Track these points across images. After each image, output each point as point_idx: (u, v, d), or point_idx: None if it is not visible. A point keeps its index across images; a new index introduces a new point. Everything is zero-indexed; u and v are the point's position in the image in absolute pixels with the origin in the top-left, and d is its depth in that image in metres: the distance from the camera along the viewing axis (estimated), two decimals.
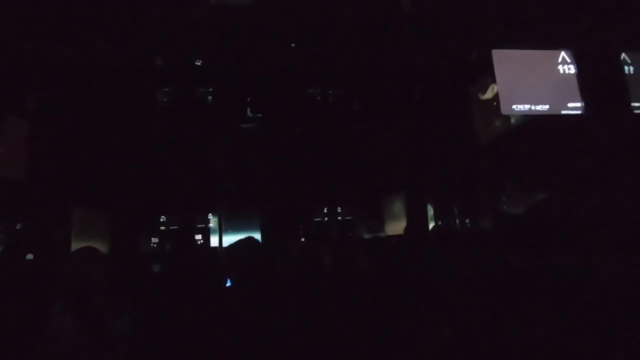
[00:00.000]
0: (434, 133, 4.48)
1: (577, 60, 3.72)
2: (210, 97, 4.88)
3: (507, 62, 3.60)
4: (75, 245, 3.88)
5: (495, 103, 3.57)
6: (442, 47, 3.99)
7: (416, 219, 4.63)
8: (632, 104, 3.97)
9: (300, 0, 4.39)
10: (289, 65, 4.80)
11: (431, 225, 4.76)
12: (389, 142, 4.70)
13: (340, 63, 4.65)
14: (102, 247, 3.97)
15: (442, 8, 3.78)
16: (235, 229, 4.67)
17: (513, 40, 3.61)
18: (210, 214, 4.84)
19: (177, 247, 4.49)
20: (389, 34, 4.40)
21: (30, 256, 3.64)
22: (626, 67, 4.14)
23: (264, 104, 4.93)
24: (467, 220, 4.82)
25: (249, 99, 5.01)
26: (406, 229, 4.32)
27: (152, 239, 4.78)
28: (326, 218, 5.48)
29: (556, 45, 3.73)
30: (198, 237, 4.77)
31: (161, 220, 4.89)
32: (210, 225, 4.79)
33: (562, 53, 3.85)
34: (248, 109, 5.02)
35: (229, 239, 4.41)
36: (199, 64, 5.12)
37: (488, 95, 3.84)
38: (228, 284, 1.90)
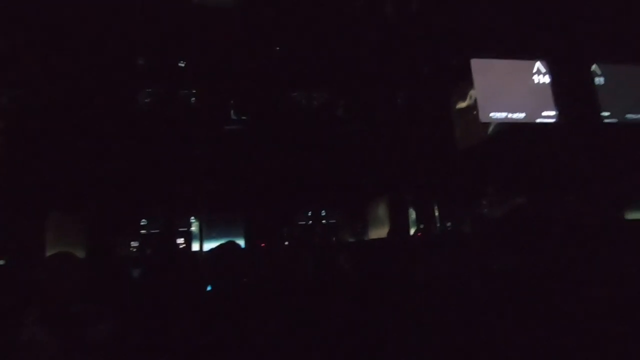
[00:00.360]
0: (416, 138, 4.56)
1: (551, 71, 3.89)
2: (193, 99, 4.83)
3: (485, 71, 3.73)
4: (50, 251, 3.74)
5: (474, 111, 3.69)
6: (424, 55, 4.08)
7: (399, 223, 4.69)
8: (602, 113, 4.18)
9: (285, 5, 4.42)
10: (274, 68, 4.81)
11: (413, 228, 4.84)
12: (373, 147, 4.76)
13: (325, 68, 4.69)
14: (78, 252, 3.84)
15: (425, 17, 3.88)
16: (218, 233, 4.61)
17: (491, 50, 3.74)
18: (192, 217, 4.76)
19: (158, 251, 4.39)
20: (373, 41, 4.47)
21: (0, 262, 3.48)
22: (597, 79, 4.35)
23: (248, 106, 4.91)
24: (449, 224, 4.91)
25: (232, 101, 4.98)
26: (389, 232, 4.36)
27: (132, 242, 4.66)
28: (311, 221, 5.48)
29: (532, 55, 3.89)
30: (180, 240, 4.68)
31: (142, 223, 4.78)
32: (192, 228, 4.71)
33: (537, 63, 4.02)
34: (232, 111, 4.99)
35: (212, 244, 4.35)
36: (183, 65, 5.07)
37: (468, 102, 3.96)
38: (208, 288, 1.87)
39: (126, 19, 4.11)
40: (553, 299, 2.05)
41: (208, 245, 4.33)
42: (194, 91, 4.84)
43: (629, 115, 4.32)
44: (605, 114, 4.13)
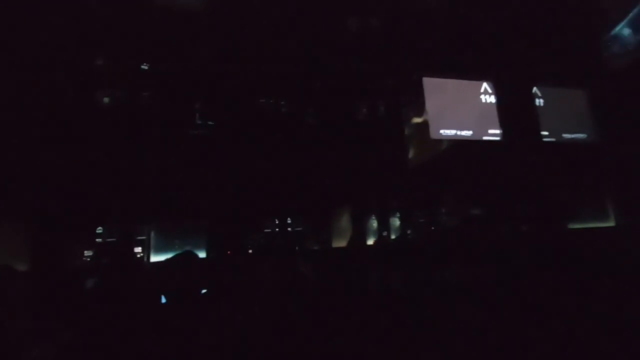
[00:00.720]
0: (378, 149, 4.74)
1: (497, 92, 4.24)
2: (156, 102, 4.69)
3: (436, 89, 3.99)
4: None
5: (426, 127, 3.93)
6: (385, 71, 4.29)
7: (360, 232, 4.82)
8: (542, 133, 4.60)
9: (253, 10, 4.46)
10: (241, 73, 4.79)
11: (374, 238, 4.99)
12: (339, 156, 4.87)
13: (291, 77, 4.76)
14: (22, 264, 3.59)
15: (385, 35, 4.09)
16: (181, 241, 4.49)
17: (442, 69, 4.01)
18: (151, 225, 4.60)
19: (114, 261, 4.20)
20: (338, 54, 4.62)
21: None
22: (537, 100, 4.78)
23: (213, 111, 4.84)
24: (409, 232, 5.12)
25: (197, 106, 4.89)
26: (349, 241, 4.48)
27: (86, 252, 4.41)
28: (277, 229, 5.46)
29: (479, 76, 4.22)
30: (138, 249, 4.50)
31: (97, 231, 4.54)
32: (152, 236, 4.55)
33: (484, 84, 4.36)
34: (197, 116, 4.90)
35: (173, 253, 4.22)
36: (146, 67, 4.92)
37: (421, 119, 4.20)
38: (163, 300, 1.84)
39: (87, 17, 3.97)
40: (503, 306, 2.23)
41: (169, 255, 4.19)
42: (157, 94, 4.72)
43: (565, 135, 4.79)
44: (545, 133, 4.54)
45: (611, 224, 4.97)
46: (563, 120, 4.69)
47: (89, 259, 4.40)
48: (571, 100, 4.87)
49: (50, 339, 1.28)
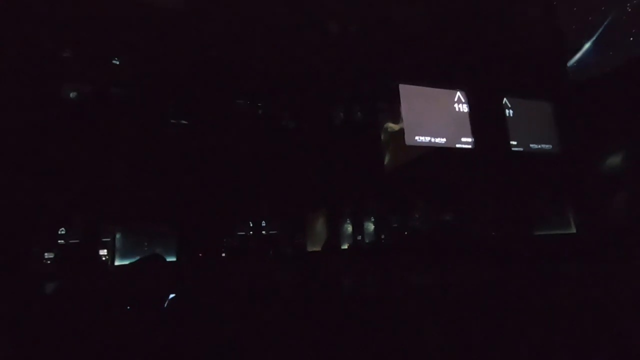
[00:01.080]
0: (354, 154, 4.78)
1: (469, 101, 4.40)
2: (127, 99, 4.49)
3: (412, 97, 4.08)
4: None
5: (402, 133, 4.02)
6: (362, 77, 4.34)
7: (334, 236, 4.84)
8: (511, 142, 4.82)
9: (233, 13, 4.40)
10: (220, 73, 4.69)
11: (348, 242, 5.02)
12: (315, 160, 4.87)
13: (269, 80, 4.72)
14: None
15: (364, 42, 4.15)
16: (149, 244, 4.32)
17: (418, 78, 4.12)
18: (118, 226, 4.39)
19: (77, 263, 3.97)
20: (317, 59, 4.63)
21: None
22: (507, 110, 5.01)
23: (188, 110, 4.71)
24: (383, 236, 5.19)
25: (171, 104, 4.74)
26: (324, 245, 4.47)
27: (46, 254, 4.15)
28: (251, 232, 5.39)
29: (454, 85, 4.36)
30: (103, 252, 4.29)
31: (60, 232, 4.29)
32: (118, 238, 4.35)
33: (458, 93, 4.50)
34: (170, 114, 4.75)
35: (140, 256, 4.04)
36: (117, 62, 4.72)
37: (397, 125, 4.28)
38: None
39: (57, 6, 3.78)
40: (472, 307, 2.28)
41: (136, 258, 3.99)
42: (129, 91, 4.55)
43: (532, 145, 5.04)
44: (513, 142, 4.76)
45: (572, 230, 5.25)
46: (530, 131, 4.92)
47: (49, 262, 4.16)
48: (538, 111, 5.12)
49: (6, 346, 1.19)
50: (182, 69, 4.57)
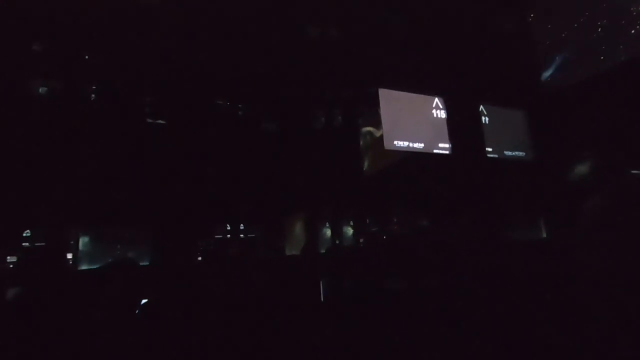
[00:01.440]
0: (333, 158, 4.80)
1: (447, 107, 4.51)
2: (100, 95, 4.32)
3: (391, 101, 4.14)
4: None
5: (381, 138, 4.06)
6: (342, 81, 4.37)
7: (313, 239, 4.83)
8: (487, 149, 4.99)
9: (213, 12, 4.33)
10: (200, 72, 4.60)
11: (327, 246, 5.02)
12: (294, 163, 4.85)
13: (249, 81, 4.67)
14: None
15: (343, 46, 4.18)
16: (122, 247, 4.14)
17: (398, 82, 4.18)
18: (87, 229, 4.19)
19: (42, 268, 3.75)
20: (297, 62, 4.62)
21: None
22: (483, 118, 5.19)
23: (165, 108, 4.58)
24: (361, 240, 5.22)
25: (147, 101, 4.59)
26: (302, 248, 4.46)
27: (9, 257, 3.90)
28: (228, 235, 5.29)
29: (432, 91, 4.46)
30: (69, 255, 4.07)
31: (24, 235, 4.04)
32: (87, 242, 4.15)
33: (436, 99, 4.61)
34: (147, 113, 4.60)
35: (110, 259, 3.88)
36: (89, 57, 4.53)
37: (376, 129, 4.33)
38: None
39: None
40: (449, 312, 2.32)
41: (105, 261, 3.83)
42: (102, 87, 4.37)
43: (507, 152, 5.24)
44: (489, 149, 4.92)
45: (542, 236, 5.48)
46: (505, 138, 5.12)
47: (11, 266, 3.91)
48: (512, 119, 5.34)
49: None
50: (161, 67, 4.45)
